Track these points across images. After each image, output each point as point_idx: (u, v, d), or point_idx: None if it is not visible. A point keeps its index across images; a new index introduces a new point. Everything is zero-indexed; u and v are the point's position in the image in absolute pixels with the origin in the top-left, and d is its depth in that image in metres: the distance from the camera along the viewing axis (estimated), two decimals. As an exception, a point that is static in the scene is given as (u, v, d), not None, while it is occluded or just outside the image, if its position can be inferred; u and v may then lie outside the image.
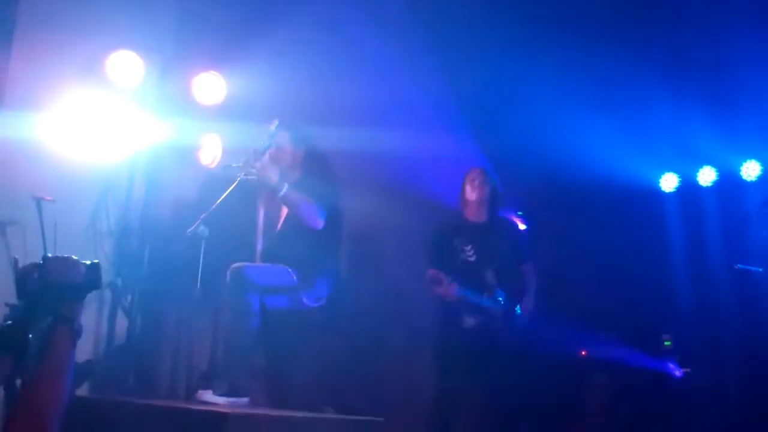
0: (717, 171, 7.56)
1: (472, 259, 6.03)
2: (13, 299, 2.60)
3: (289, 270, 5.38)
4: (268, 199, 5.86)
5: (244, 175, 5.52)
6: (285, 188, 5.37)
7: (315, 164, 5.71)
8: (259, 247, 5.76)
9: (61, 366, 2.50)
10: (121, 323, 6.44)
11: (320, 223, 5.45)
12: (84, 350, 5.54)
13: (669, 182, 7.82)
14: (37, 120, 5.92)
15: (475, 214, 6.29)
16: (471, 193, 6.25)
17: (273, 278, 5.36)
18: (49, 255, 2.55)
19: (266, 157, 5.45)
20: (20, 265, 2.60)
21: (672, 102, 7.12)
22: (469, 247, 6.06)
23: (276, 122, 5.54)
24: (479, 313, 5.92)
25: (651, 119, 7.28)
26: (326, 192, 5.53)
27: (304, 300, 5.49)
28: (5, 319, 2.59)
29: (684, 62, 6.99)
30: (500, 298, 5.98)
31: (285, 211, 5.68)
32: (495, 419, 5.92)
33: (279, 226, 5.69)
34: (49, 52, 6.04)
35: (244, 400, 5.06)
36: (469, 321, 5.92)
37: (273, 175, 5.40)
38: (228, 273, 5.30)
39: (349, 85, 6.84)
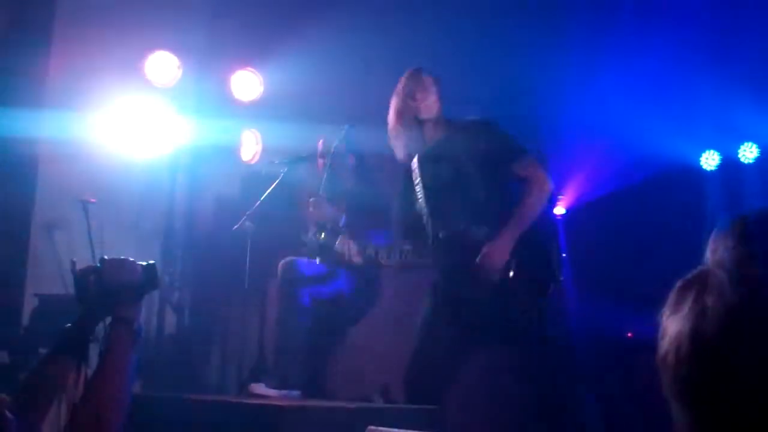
0: (759, 147, 7.47)
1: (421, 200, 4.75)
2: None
3: (338, 270, 5.41)
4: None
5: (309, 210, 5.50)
6: (339, 239, 5.33)
7: (368, 172, 5.72)
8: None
9: (121, 367, 2.52)
10: (170, 320, 6.51)
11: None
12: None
13: (710, 160, 7.73)
14: (78, 120, 5.98)
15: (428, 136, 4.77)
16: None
17: (321, 275, 5.39)
18: (106, 257, 2.57)
19: (323, 190, 5.42)
20: (78, 267, 2.62)
21: (711, 78, 7.04)
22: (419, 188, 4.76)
23: (346, 129, 5.52)
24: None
25: (691, 96, 7.20)
26: (382, 206, 5.52)
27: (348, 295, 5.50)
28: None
29: (722, 36, 6.91)
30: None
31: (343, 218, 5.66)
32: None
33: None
34: (87, 54, 6.11)
35: (296, 392, 5.09)
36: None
37: (329, 217, 5.41)
38: (279, 267, 5.34)
39: (391, 80, 6.81)
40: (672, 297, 1.04)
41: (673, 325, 1.02)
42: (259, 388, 5.03)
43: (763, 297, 0.93)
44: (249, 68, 6.81)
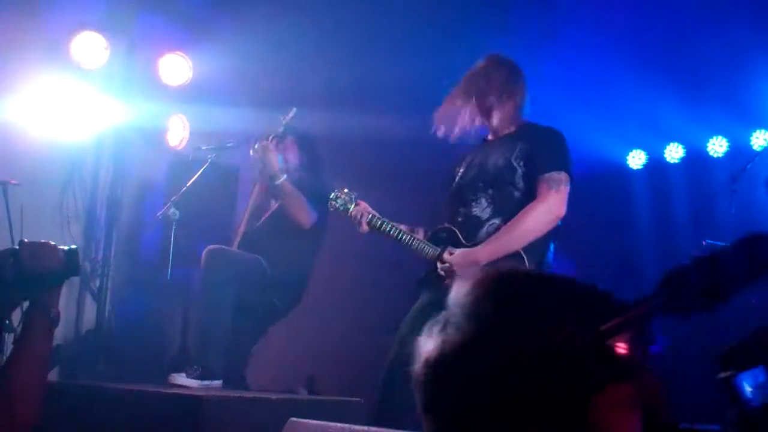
0: (684, 148, 7.60)
1: (456, 183, 4.49)
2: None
3: (264, 263, 5.38)
4: (261, 185, 5.81)
5: (252, 154, 5.49)
6: (283, 178, 5.40)
7: (314, 164, 5.72)
8: (241, 231, 5.69)
9: (37, 355, 2.46)
10: (90, 307, 6.40)
11: (309, 223, 5.47)
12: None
13: (636, 159, 7.85)
14: (2, 103, 5.84)
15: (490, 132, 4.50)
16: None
17: (247, 267, 5.35)
18: (26, 240, 2.48)
19: (272, 143, 5.44)
20: (-5, 250, 2.53)
21: (639, 78, 7.13)
22: (461, 168, 4.50)
23: (293, 112, 5.51)
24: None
25: (618, 96, 7.29)
26: (322, 194, 5.55)
27: (275, 300, 5.50)
28: None
29: (650, 38, 7.00)
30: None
31: (275, 204, 5.65)
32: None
33: (264, 216, 5.65)
34: (13, 34, 5.95)
35: (218, 382, 5.04)
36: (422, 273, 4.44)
37: (275, 161, 5.41)
38: (204, 254, 5.28)
39: (320, 66, 6.78)
40: (428, 325, 1.28)
41: (425, 346, 1.26)
42: (179, 378, 4.96)
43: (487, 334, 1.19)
44: (178, 52, 6.71)
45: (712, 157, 7.40)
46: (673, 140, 7.63)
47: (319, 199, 5.51)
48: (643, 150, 7.83)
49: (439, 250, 4.30)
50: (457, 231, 4.32)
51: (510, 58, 4.58)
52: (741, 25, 6.60)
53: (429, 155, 5.77)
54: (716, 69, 6.94)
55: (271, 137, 5.49)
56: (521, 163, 4.26)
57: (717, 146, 7.36)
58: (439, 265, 4.26)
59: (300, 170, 5.68)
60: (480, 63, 4.51)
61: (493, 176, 4.29)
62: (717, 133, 7.37)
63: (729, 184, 6.46)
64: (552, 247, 4.34)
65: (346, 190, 4.72)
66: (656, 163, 7.75)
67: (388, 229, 4.47)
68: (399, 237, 4.44)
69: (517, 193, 4.25)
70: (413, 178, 6.79)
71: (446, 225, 4.39)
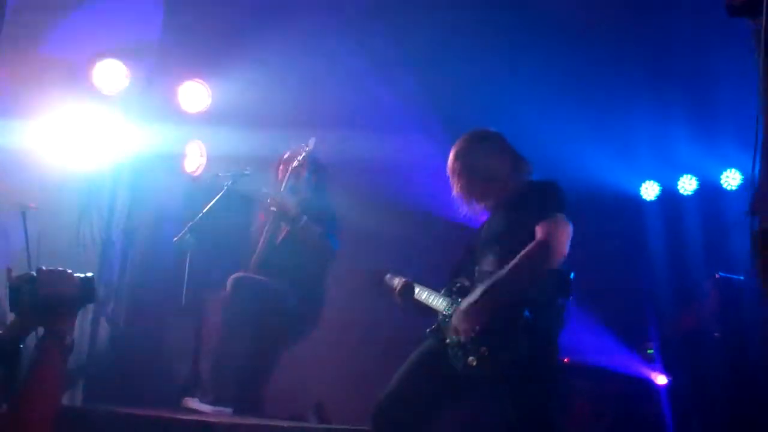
0: (698, 180, 7.61)
1: (473, 248, 4.48)
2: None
3: (287, 290, 5.45)
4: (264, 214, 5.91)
5: (270, 206, 5.67)
6: (303, 220, 5.57)
7: (324, 185, 5.83)
8: (258, 256, 5.75)
9: (49, 381, 2.47)
10: (103, 331, 6.42)
11: (332, 249, 5.69)
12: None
13: (650, 190, 7.86)
14: (23, 128, 5.91)
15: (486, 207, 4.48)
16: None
17: (271, 295, 5.41)
18: (44, 267, 2.52)
19: (286, 191, 5.63)
20: (14, 275, 2.56)
21: (653, 110, 7.16)
22: (479, 238, 4.46)
23: (313, 141, 5.64)
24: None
25: (632, 127, 7.31)
26: (335, 214, 5.66)
27: (294, 325, 5.58)
28: None
29: (665, 70, 7.03)
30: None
31: (285, 227, 5.73)
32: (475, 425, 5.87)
33: (280, 237, 5.71)
34: (35, 60, 6.03)
35: (229, 409, 5.07)
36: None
37: (292, 208, 5.60)
38: (230, 281, 5.34)
39: (335, 91, 6.86)
40: None
41: None
42: (193, 402, 5.00)
43: None
44: (197, 79, 6.78)
45: (725, 190, 7.41)
46: (687, 172, 7.64)
47: (329, 220, 5.59)
48: (657, 181, 7.84)
49: (452, 302, 4.29)
50: (470, 285, 4.30)
51: (482, 131, 4.55)
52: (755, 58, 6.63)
53: (440, 178, 5.84)
54: (730, 102, 6.95)
55: (282, 187, 5.61)
56: (522, 223, 4.14)
57: (730, 179, 7.37)
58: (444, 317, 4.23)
59: (308, 190, 5.77)
60: (453, 154, 4.48)
61: (499, 236, 4.22)
62: (731, 165, 7.38)
63: (742, 217, 6.47)
64: (563, 302, 4.22)
65: (398, 276, 4.69)
66: (669, 195, 7.75)
67: (422, 296, 4.48)
68: (429, 302, 4.45)
69: (521, 248, 4.05)
70: (425, 201, 6.83)
71: (461, 279, 4.37)
